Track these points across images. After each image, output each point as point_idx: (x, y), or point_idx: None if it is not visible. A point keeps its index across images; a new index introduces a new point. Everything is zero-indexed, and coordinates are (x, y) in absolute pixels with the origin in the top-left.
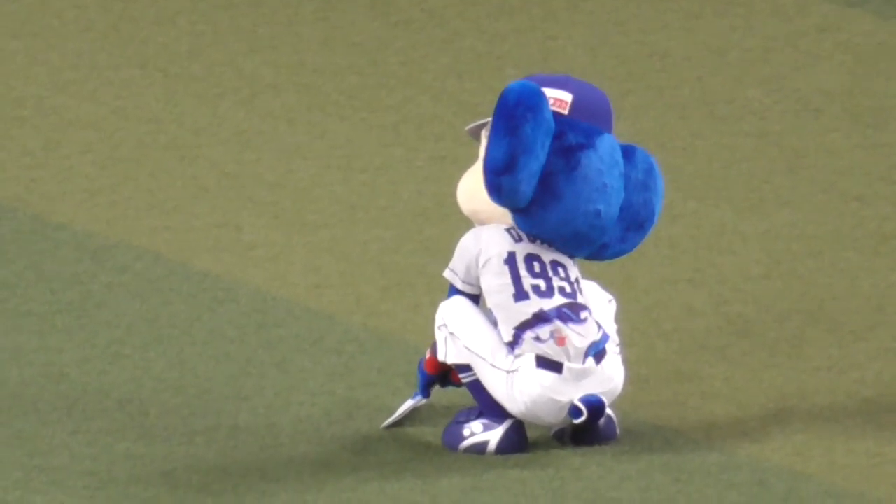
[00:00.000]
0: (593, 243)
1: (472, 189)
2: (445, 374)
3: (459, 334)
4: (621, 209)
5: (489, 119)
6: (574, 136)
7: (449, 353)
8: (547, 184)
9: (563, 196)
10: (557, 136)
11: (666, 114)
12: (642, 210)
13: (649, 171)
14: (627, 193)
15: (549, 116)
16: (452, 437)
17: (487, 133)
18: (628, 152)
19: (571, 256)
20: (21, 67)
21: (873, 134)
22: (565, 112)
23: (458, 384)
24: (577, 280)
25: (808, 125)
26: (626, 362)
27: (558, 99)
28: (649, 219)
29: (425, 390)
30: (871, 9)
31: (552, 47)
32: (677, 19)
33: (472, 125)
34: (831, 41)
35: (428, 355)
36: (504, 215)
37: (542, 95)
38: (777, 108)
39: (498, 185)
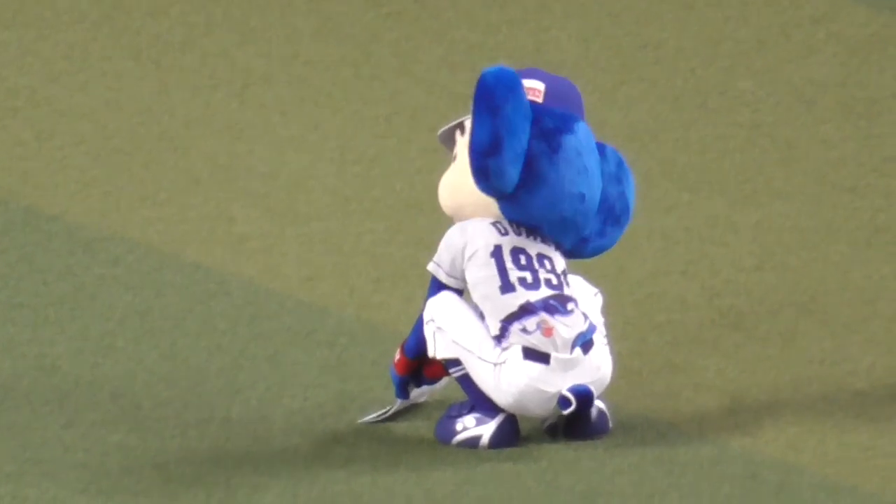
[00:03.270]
0: (578, 229)
1: (454, 184)
2: (418, 373)
3: (447, 328)
4: (599, 202)
5: (461, 119)
6: (552, 120)
7: (438, 348)
8: (531, 168)
9: (548, 179)
10: (535, 121)
11: (658, 105)
12: (617, 203)
13: (620, 164)
14: (604, 185)
15: (526, 101)
16: (445, 431)
17: (461, 132)
18: (599, 148)
19: (557, 247)
20: (13, 58)
21: (866, 125)
22: (540, 100)
23: (432, 381)
24: (563, 272)
25: (800, 117)
26: (619, 355)
27: (532, 88)
28: (625, 212)
29: (402, 392)
30: (864, 0)
31: (545, 38)
32: (670, 10)
33: (443, 129)
34: (824, 32)
35: (397, 356)
36: (487, 209)
37: (518, 78)
38: (770, 100)
39: (485, 167)
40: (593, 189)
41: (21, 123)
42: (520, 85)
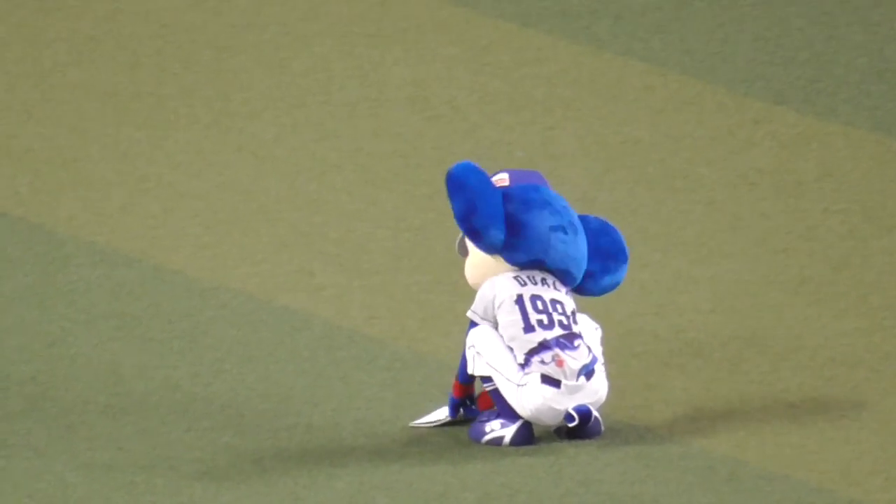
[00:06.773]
0: (574, 258)
1: (473, 266)
2: (471, 400)
3: (484, 353)
4: (595, 252)
5: (462, 235)
6: (519, 190)
7: (476, 367)
8: (512, 220)
9: (529, 223)
10: (506, 196)
11: (636, 187)
12: (612, 246)
13: (602, 221)
14: (593, 239)
15: (486, 174)
16: (476, 433)
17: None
18: (582, 218)
19: (566, 284)
20: (145, 152)
21: (794, 202)
22: (507, 184)
23: (476, 413)
24: (573, 313)
25: (745, 195)
26: (608, 376)
27: (499, 179)
28: (621, 251)
29: (453, 411)
30: (792, 107)
31: (549, 136)
32: (645, 115)
33: (457, 243)
34: (763, 131)
35: (454, 382)
36: (501, 272)
37: (474, 163)
38: (722, 182)
39: (471, 228)
40: (573, 223)
41: (151, 201)
42: (477, 167)
